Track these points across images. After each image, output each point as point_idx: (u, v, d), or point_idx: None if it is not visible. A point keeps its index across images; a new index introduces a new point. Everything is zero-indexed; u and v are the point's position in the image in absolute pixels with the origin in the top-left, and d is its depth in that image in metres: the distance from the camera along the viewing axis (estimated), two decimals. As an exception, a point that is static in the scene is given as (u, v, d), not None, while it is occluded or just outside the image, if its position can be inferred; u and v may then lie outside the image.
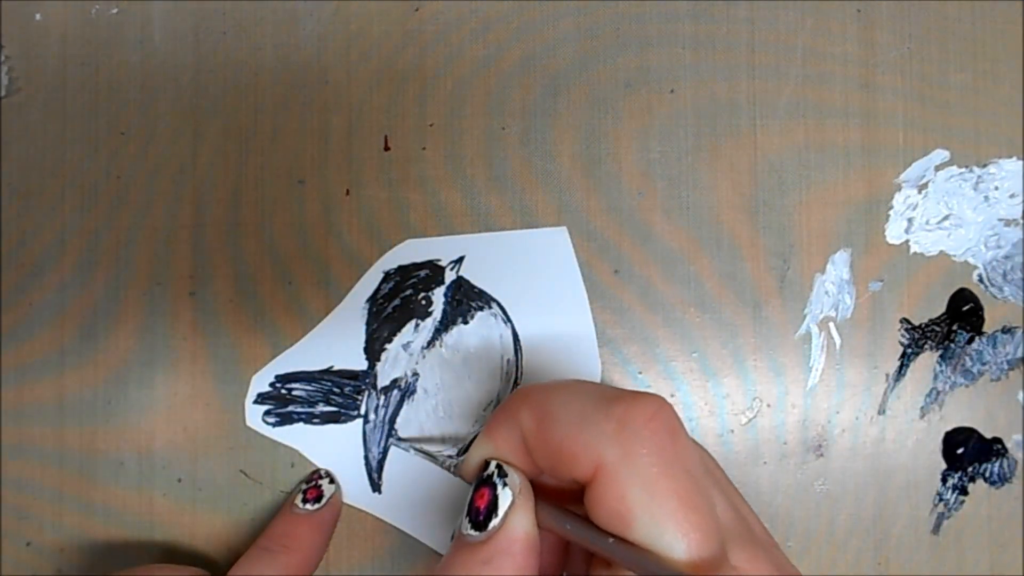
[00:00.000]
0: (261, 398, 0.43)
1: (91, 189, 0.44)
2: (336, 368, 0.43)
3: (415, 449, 0.42)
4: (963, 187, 0.44)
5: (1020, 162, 0.44)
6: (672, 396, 0.43)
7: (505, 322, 0.43)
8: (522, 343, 0.43)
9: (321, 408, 0.43)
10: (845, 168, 0.44)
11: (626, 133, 0.44)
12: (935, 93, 0.44)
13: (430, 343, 0.43)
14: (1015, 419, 0.44)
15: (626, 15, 0.44)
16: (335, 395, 0.43)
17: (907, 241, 0.44)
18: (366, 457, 0.43)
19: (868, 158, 0.44)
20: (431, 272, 0.43)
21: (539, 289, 0.43)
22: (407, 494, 0.43)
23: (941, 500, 0.44)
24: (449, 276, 0.43)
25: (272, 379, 0.43)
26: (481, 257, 0.43)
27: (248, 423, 0.43)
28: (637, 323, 0.43)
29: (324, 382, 0.43)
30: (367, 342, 0.43)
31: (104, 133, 0.44)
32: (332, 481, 0.42)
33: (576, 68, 0.44)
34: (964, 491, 0.44)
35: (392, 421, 0.43)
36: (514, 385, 0.43)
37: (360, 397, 0.43)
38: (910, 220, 0.44)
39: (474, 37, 0.44)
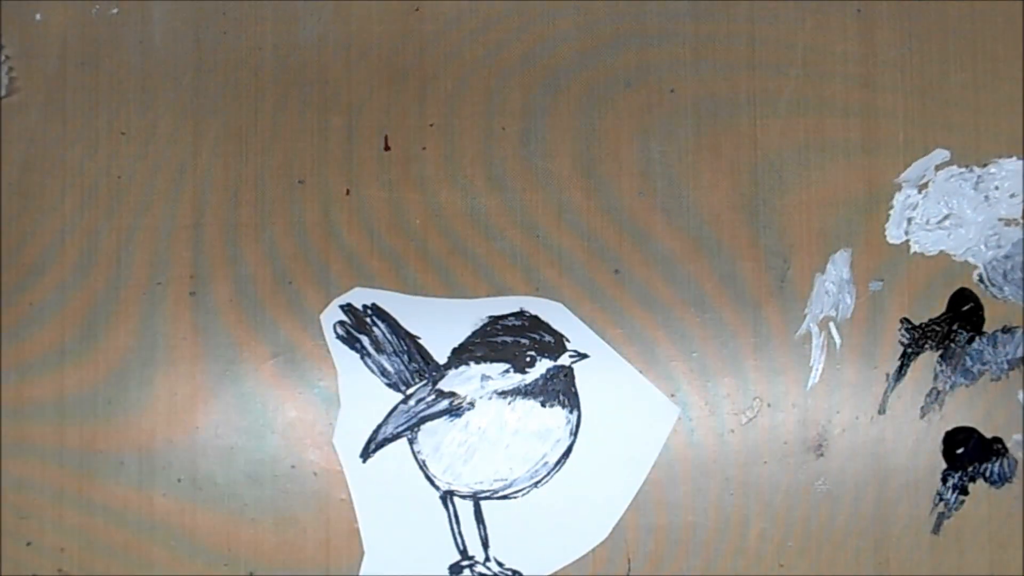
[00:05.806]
0: (345, 309, 0.43)
1: (91, 189, 0.44)
2: (422, 340, 0.43)
3: None
4: (963, 187, 0.44)
5: (1020, 162, 0.44)
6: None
7: (571, 434, 0.43)
8: (570, 456, 0.43)
9: (384, 358, 0.43)
10: (845, 168, 0.44)
11: (626, 133, 0.44)
12: (935, 92, 0.44)
13: (504, 395, 0.43)
14: (1015, 419, 0.44)
15: (626, 14, 0.44)
16: (400, 358, 0.43)
17: (907, 241, 0.44)
18: (379, 427, 0.43)
19: (868, 157, 0.44)
20: (554, 342, 0.43)
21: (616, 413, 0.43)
22: (385, 487, 0.43)
23: (941, 500, 0.44)
24: (565, 360, 0.43)
25: (368, 304, 0.43)
26: (597, 367, 0.43)
27: (321, 317, 0.43)
28: (637, 323, 0.43)
29: (405, 341, 0.43)
30: (461, 345, 0.43)
31: (104, 133, 0.44)
32: None
33: (575, 67, 0.44)
34: (964, 491, 0.44)
35: (423, 421, 0.43)
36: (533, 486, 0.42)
37: (415, 381, 0.43)
38: (910, 220, 0.44)
39: (474, 36, 0.44)
